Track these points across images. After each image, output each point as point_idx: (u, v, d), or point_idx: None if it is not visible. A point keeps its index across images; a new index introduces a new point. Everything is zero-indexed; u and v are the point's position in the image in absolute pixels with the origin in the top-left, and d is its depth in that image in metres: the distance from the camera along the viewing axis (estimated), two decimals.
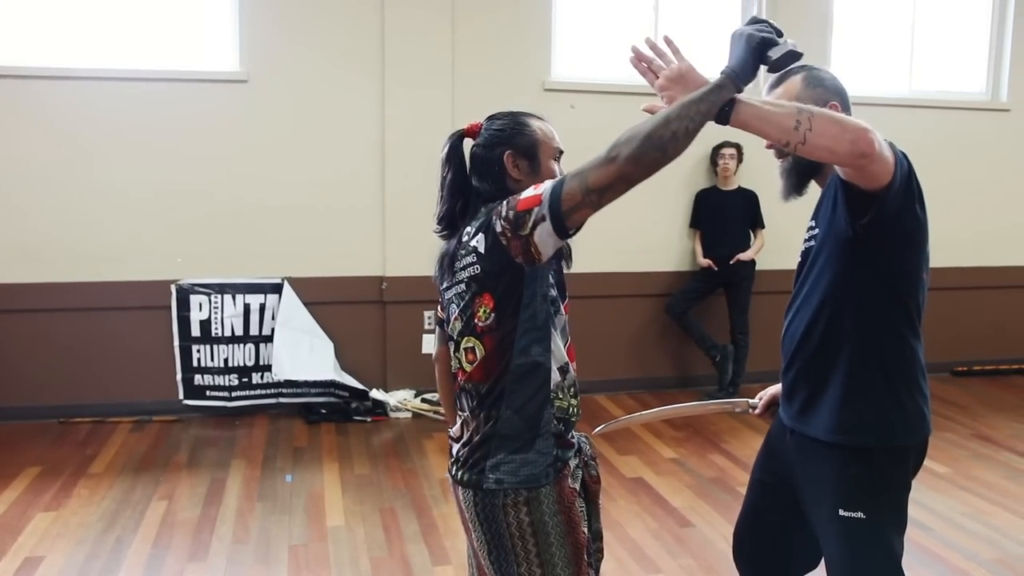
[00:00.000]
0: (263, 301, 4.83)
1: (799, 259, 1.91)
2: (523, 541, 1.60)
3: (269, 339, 4.81)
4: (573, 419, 1.67)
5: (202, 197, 4.73)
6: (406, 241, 4.85)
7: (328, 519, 3.43)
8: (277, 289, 4.84)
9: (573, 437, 1.69)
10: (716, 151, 5.23)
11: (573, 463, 1.67)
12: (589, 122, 5.02)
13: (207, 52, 4.77)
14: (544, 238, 1.50)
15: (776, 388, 2.08)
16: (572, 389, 1.67)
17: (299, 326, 4.81)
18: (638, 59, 1.42)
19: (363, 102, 4.87)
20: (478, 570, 1.77)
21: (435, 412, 4.77)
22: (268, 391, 4.87)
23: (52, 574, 2.94)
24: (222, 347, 4.80)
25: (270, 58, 4.75)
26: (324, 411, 4.76)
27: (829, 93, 1.80)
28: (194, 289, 4.75)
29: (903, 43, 5.77)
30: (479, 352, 1.62)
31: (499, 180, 1.66)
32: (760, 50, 1.51)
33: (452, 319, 1.67)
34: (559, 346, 1.64)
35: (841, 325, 1.78)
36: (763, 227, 5.21)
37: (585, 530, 1.66)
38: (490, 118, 1.73)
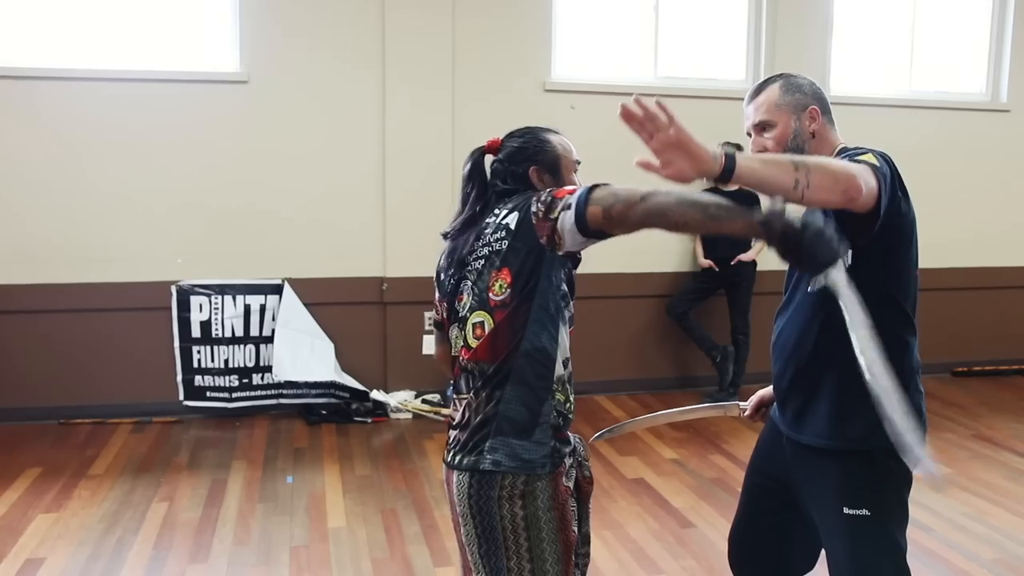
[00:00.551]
0: (263, 302, 4.83)
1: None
2: (515, 535, 1.62)
3: (269, 340, 4.81)
4: (570, 415, 1.70)
5: (202, 198, 4.73)
6: (407, 242, 4.84)
7: (329, 520, 3.43)
8: (277, 290, 4.83)
9: (568, 431, 1.71)
10: None
11: (568, 462, 1.69)
12: (590, 123, 5.03)
13: (207, 53, 4.77)
14: (567, 226, 1.56)
15: (766, 391, 2.10)
16: (570, 384, 1.70)
17: (299, 327, 4.81)
18: (627, 118, 1.38)
19: (364, 103, 4.87)
20: (463, 566, 1.77)
21: (435, 413, 4.77)
22: (268, 392, 4.86)
23: (53, 575, 2.94)
24: (222, 348, 4.80)
25: (270, 59, 4.75)
26: (324, 412, 4.76)
27: (808, 98, 1.84)
28: (194, 290, 4.75)
29: (903, 44, 5.77)
30: (487, 326, 1.64)
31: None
32: (816, 257, 1.38)
33: (461, 299, 1.70)
34: (565, 338, 1.68)
35: (835, 331, 1.78)
36: None
37: (575, 530, 1.68)
38: (510, 135, 1.81)
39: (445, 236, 1.80)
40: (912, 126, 5.58)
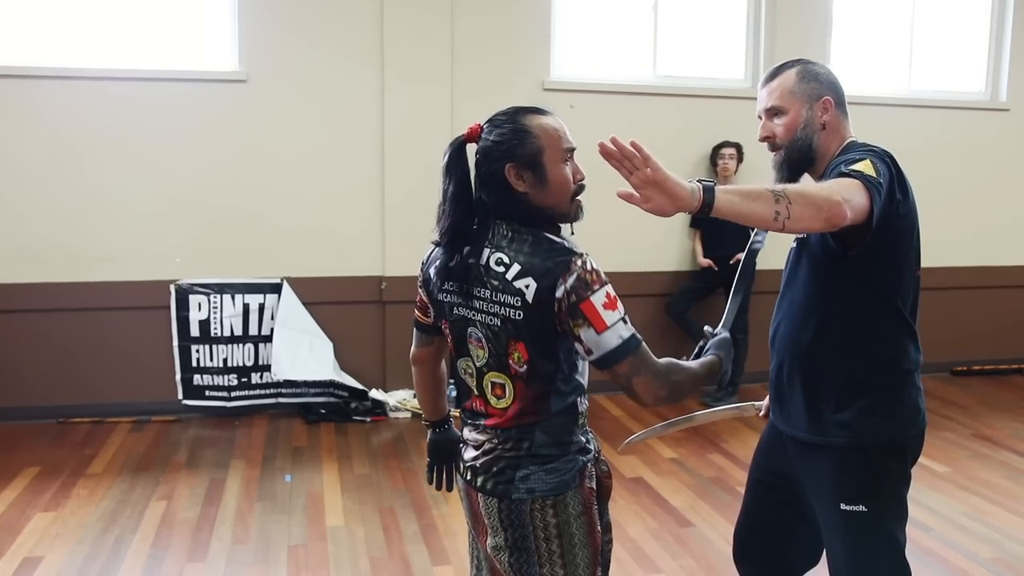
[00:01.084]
0: (262, 301, 4.82)
1: (788, 256, 1.93)
2: (547, 543, 1.60)
3: (268, 339, 4.80)
4: (586, 421, 1.68)
5: (201, 197, 4.72)
6: (406, 241, 4.84)
7: (327, 519, 3.43)
8: (276, 289, 4.83)
9: (589, 441, 1.68)
10: (716, 151, 5.22)
11: (590, 464, 1.67)
12: (589, 122, 5.02)
13: (206, 52, 4.76)
14: (586, 347, 1.50)
15: None
16: (586, 397, 1.67)
17: (298, 326, 4.80)
18: (605, 155, 1.38)
19: (363, 102, 4.86)
20: (491, 572, 1.76)
21: None
22: (267, 391, 4.86)
23: (51, 574, 2.94)
24: (221, 347, 4.80)
25: (269, 58, 4.74)
26: (323, 411, 4.76)
27: (823, 88, 1.83)
28: (193, 289, 4.74)
29: (902, 43, 5.77)
30: (509, 392, 1.59)
31: (505, 195, 1.57)
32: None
33: (470, 341, 1.62)
34: (584, 374, 1.64)
35: (830, 328, 1.80)
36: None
37: (600, 530, 1.66)
38: (490, 121, 1.60)
39: (436, 244, 1.65)
40: (911, 125, 5.57)
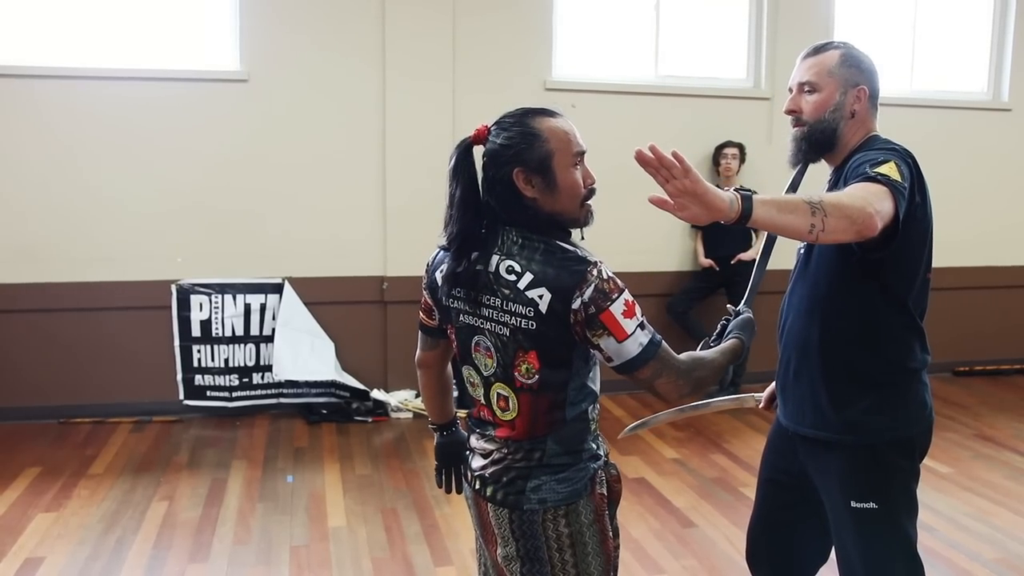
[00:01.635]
0: (264, 301, 4.82)
1: (798, 252, 1.92)
2: (560, 552, 1.57)
3: (270, 339, 4.80)
4: (597, 430, 1.65)
5: (202, 197, 4.72)
6: (407, 241, 4.84)
7: (329, 520, 3.42)
8: (278, 289, 4.83)
9: (599, 447, 1.66)
10: (719, 151, 5.22)
11: (600, 470, 1.64)
12: (591, 122, 5.00)
13: (207, 51, 4.76)
14: (607, 354, 1.48)
15: None
16: (598, 404, 1.65)
17: (300, 326, 4.80)
18: (642, 162, 1.35)
19: (364, 102, 4.86)
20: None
21: None
22: (269, 391, 4.85)
23: (53, 575, 2.93)
24: (222, 347, 4.79)
25: (270, 57, 4.74)
26: (325, 411, 4.75)
27: (862, 76, 1.82)
28: (194, 289, 4.74)
29: (904, 43, 5.77)
30: (513, 405, 1.56)
31: (513, 200, 1.52)
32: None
33: (478, 349, 1.58)
34: (596, 381, 1.61)
35: (839, 325, 1.80)
36: None
37: (612, 536, 1.63)
38: (498, 123, 1.55)
39: (443, 248, 1.61)
40: (913, 125, 5.54)
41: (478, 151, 1.57)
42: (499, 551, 1.62)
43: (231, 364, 4.81)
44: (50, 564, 3.00)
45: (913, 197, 1.66)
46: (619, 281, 1.47)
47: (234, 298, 4.79)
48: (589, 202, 1.56)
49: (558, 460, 1.56)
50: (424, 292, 1.71)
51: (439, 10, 4.87)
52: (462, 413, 1.81)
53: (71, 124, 4.56)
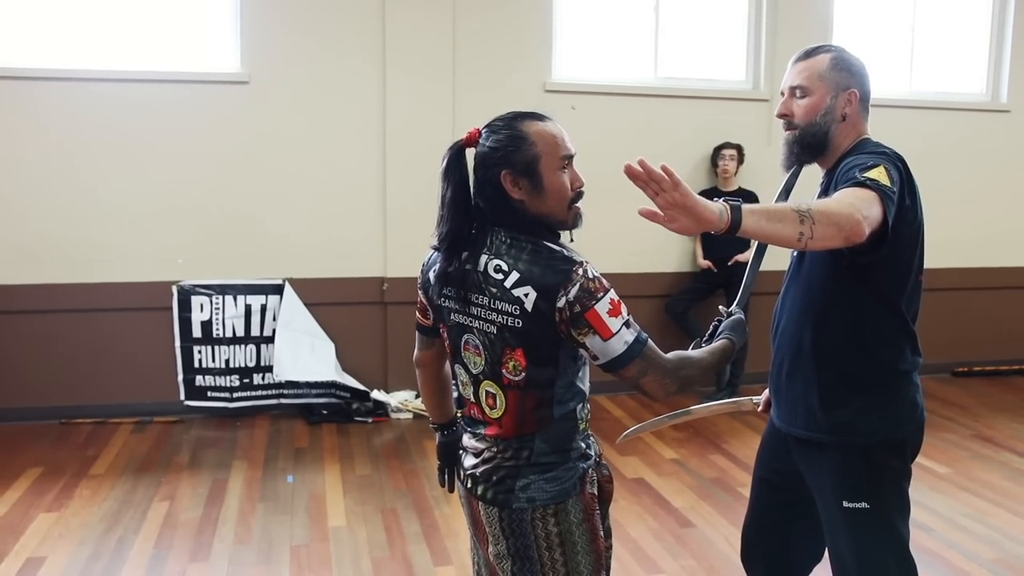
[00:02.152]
0: (264, 302, 4.83)
1: (792, 254, 1.94)
2: (550, 551, 1.58)
3: (270, 340, 4.81)
4: (588, 428, 1.66)
5: (203, 198, 4.73)
6: (407, 242, 4.85)
7: (330, 520, 3.43)
8: (278, 290, 4.84)
9: (589, 447, 1.67)
10: (717, 152, 5.23)
11: (591, 468, 1.65)
12: (590, 123, 5.05)
13: (208, 53, 4.77)
14: (593, 353, 1.50)
15: None
16: (588, 403, 1.65)
17: (300, 327, 4.81)
18: (631, 176, 1.37)
19: (364, 103, 4.87)
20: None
21: None
22: (269, 392, 4.87)
23: (54, 575, 2.95)
24: (223, 348, 4.81)
25: (271, 59, 4.75)
26: (325, 412, 4.76)
27: (853, 80, 1.83)
28: (195, 290, 4.75)
29: (903, 44, 5.78)
30: (500, 403, 1.58)
31: (501, 202, 1.55)
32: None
33: (467, 348, 1.61)
34: (585, 381, 1.63)
35: (831, 328, 1.81)
36: None
37: (603, 536, 1.64)
38: (488, 126, 1.58)
39: (436, 248, 1.64)
40: (912, 127, 5.57)
41: (471, 153, 1.60)
42: (490, 549, 1.64)
43: (232, 365, 4.82)
44: (52, 564, 3.02)
45: (903, 200, 1.68)
46: (605, 281, 1.49)
47: (235, 299, 4.80)
48: (578, 205, 1.58)
49: (546, 459, 1.58)
50: (419, 292, 1.75)
51: (439, 12, 4.88)
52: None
53: (72, 126, 4.57)
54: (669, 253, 5.37)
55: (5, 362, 4.61)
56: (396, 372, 4.98)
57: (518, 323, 1.51)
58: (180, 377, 4.76)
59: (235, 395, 4.82)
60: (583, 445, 1.62)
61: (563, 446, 1.59)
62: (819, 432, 1.83)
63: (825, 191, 1.84)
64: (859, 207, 1.54)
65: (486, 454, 1.62)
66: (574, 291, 1.46)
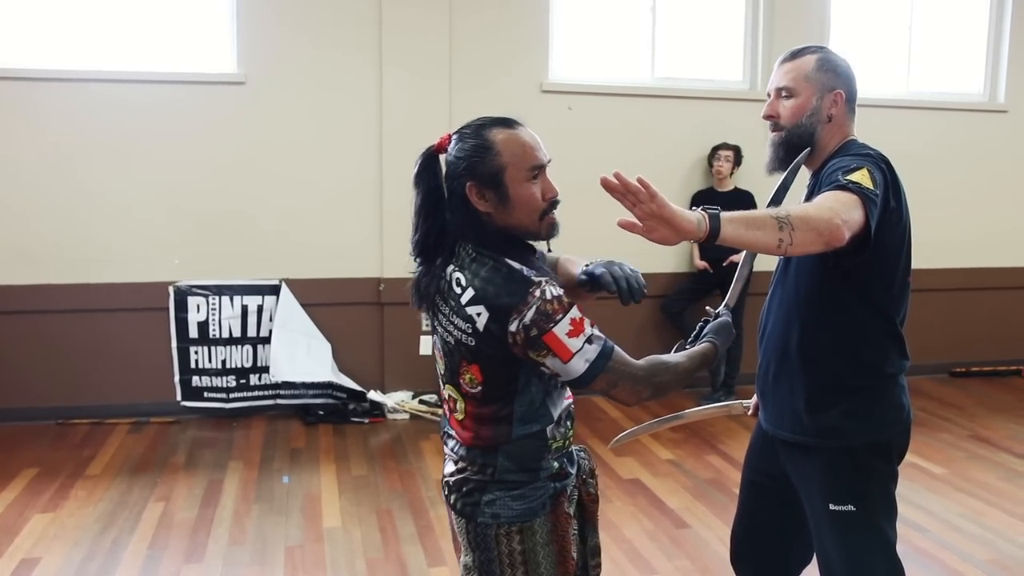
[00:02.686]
0: (261, 303, 4.83)
1: (779, 257, 1.94)
2: (512, 569, 1.55)
3: (267, 340, 4.81)
4: (568, 446, 1.61)
5: (200, 199, 4.73)
6: (404, 242, 4.72)
7: (325, 520, 3.43)
8: (275, 291, 4.84)
9: (569, 465, 1.62)
10: (714, 152, 5.23)
11: (570, 488, 1.60)
12: (587, 124, 5.05)
13: (205, 54, 4.77)
14: (556, 371, 1.46)
15: None
16: (569, 421, 1.61)
17: (297, 328, 4.81)
18: (608, 188, 1.39)
19: (361, 103, 4.87)
20: None
21: (432, 413, 4.78)
22: (266, 392, 4.87)
23: (48, 575, 2.95)
24: (220, 349, 4.81)
25: (268, 60, 4.76)
26: (322, 412, 4.76)
27: (839, 81, 1.83)
28: (192, 291, 4.75)
29: (901, 44, 5.78)
30: (460, 408, 1.56)
31: (467, 213, 1.50)
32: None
33: (437, 353, 1.59)
34: (558, 403, 1.57)
35: (816, 330, 1.81)
36: None
37: (575, 555, 1.60)
38: (458, 132, 1.54)
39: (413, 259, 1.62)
40: (909, 127, 5.58)
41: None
42: (461, 558, 1.63)
43: (228, 365, 4.82)
44: (46, 564, 3.02)
45: (887, 202, 1.68)
46: (565, 300, 1.44)
47: (231, 300, 4.80)
48: (552, 215, 1.52)
49: (511, 477, 1.53)
50: None
51: (436, 13, 4.88)
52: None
53: (69, 126, 4.58)
54: (666, 254, 5.37)
55: (1, 362, 4.61)
56: (392, 373, 4.98)
57: (471, 341, 1.47)
58: (177, 378, 4.76)
59: (231, 396, 4.82)
60: (556, 465, 1.57)
61: (530, 465, 1.54)
62: (805, 435, 1.83)
63: (811, 192, 1.84)
64: (839, 211, 1.54)
65: (460, 464, 1.60)
66: (530, 314, 1.41)
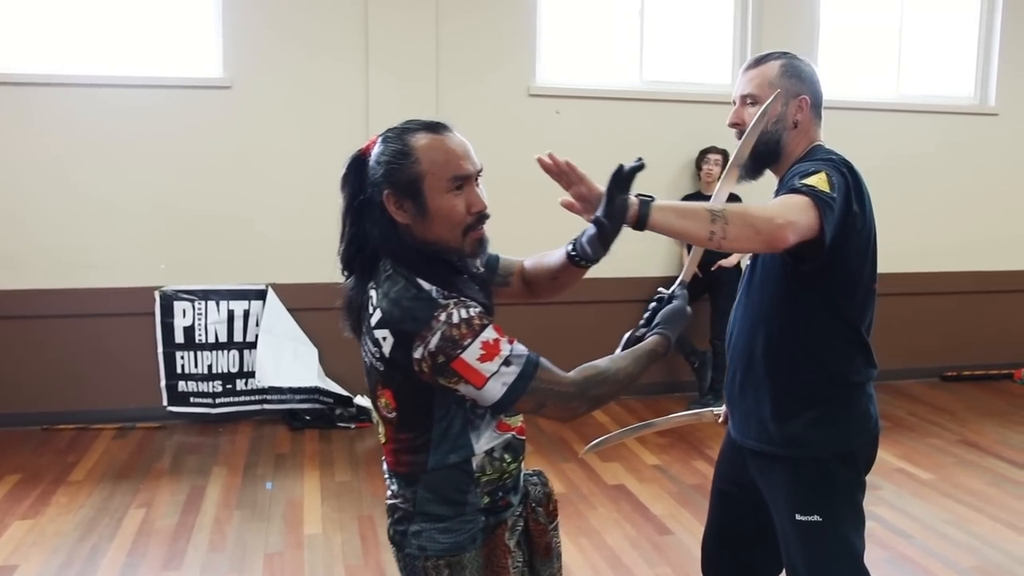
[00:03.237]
0: (247, 307, 4.82)
1: (746, 266, 1.93)
2: None
3: (253, 345, 4.79)
4: (508, 479, 1.49)
5: (186, 203, 4.72)
6: None
7: (306, 527, 3.41)
8: (261, 295, 4.82)
9: (513, 494, 1.51)
10: (702, 156, 5.21)
11: (512, 520, 1.50)
12: (575, 128, 5.04)
13: (191, 58, 4.76)
14: (468, 394, 1.36)
15: None
16: (508, 455, 1.47)
17: (283, 332, 4.80)
18: (545, 169, 1.40)
19: (347, 107, 4.86)
20: None
21: None
22: (252, 398, 4.85)
23: None
24: (206, 354, 4.79)
25: (254, 64, 4.74)
26: (308, 418, 4.74)
27: (803, 86, 1.81)
28: (178, 295, 4.74)
29: (891, 47, 5.76)
30: (382, 433, 1.48)
31: (384, 224, 1.39)
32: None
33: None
34: (484, 433, 1.44)
35: (781, 339, 1.80)
36: None
37: None
38: (383, 136, 1.42)
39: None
40: (900, 130, 5.56)
41: None
42: None
43: (215, 370, 4.80)
44: (23, 572, 3.00)
45: (849, 207, 1.65)
46: (476, 321, 1.32)
47: (217, 304, 4.79)
48: (480, 229, 1.41)
49: (433, 509, 1.44)
50: None
51: (422, 16, 4.87)
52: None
53: (55, 130, 4.56)
54: (654, 258, 5.35)
55: None
56: None
57: (380, 366, 1.38)
58: (163, 383, 4.74)
59: (218, 401, 4.80)
60: (487, 499, 1.46)
61: (452, 497, 1.43)
62: (771, 444, 1.81)
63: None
64: (784, 213, 1.52)
65: (390, 489, 1.52)
66: (435, 341, 1.30)
